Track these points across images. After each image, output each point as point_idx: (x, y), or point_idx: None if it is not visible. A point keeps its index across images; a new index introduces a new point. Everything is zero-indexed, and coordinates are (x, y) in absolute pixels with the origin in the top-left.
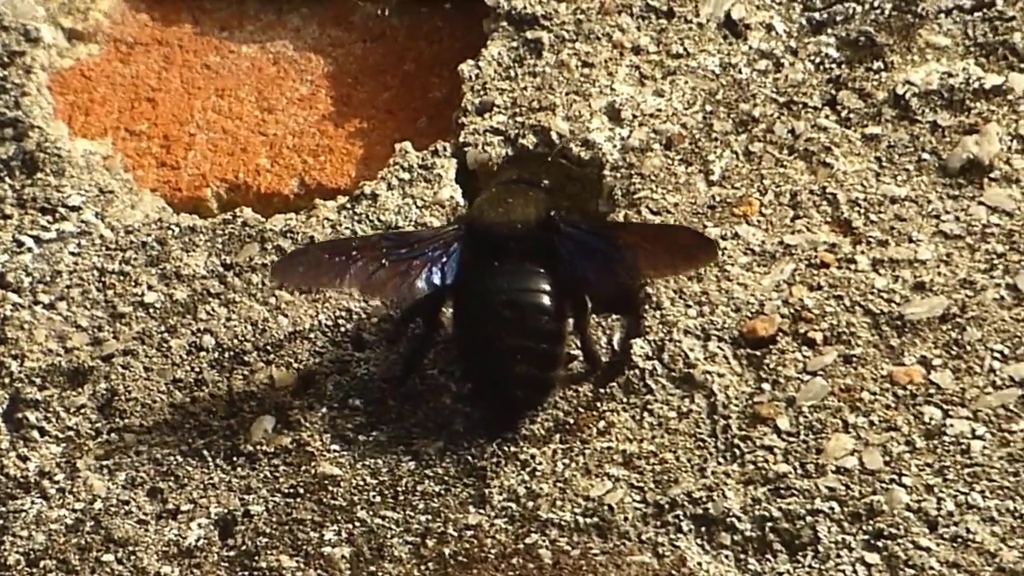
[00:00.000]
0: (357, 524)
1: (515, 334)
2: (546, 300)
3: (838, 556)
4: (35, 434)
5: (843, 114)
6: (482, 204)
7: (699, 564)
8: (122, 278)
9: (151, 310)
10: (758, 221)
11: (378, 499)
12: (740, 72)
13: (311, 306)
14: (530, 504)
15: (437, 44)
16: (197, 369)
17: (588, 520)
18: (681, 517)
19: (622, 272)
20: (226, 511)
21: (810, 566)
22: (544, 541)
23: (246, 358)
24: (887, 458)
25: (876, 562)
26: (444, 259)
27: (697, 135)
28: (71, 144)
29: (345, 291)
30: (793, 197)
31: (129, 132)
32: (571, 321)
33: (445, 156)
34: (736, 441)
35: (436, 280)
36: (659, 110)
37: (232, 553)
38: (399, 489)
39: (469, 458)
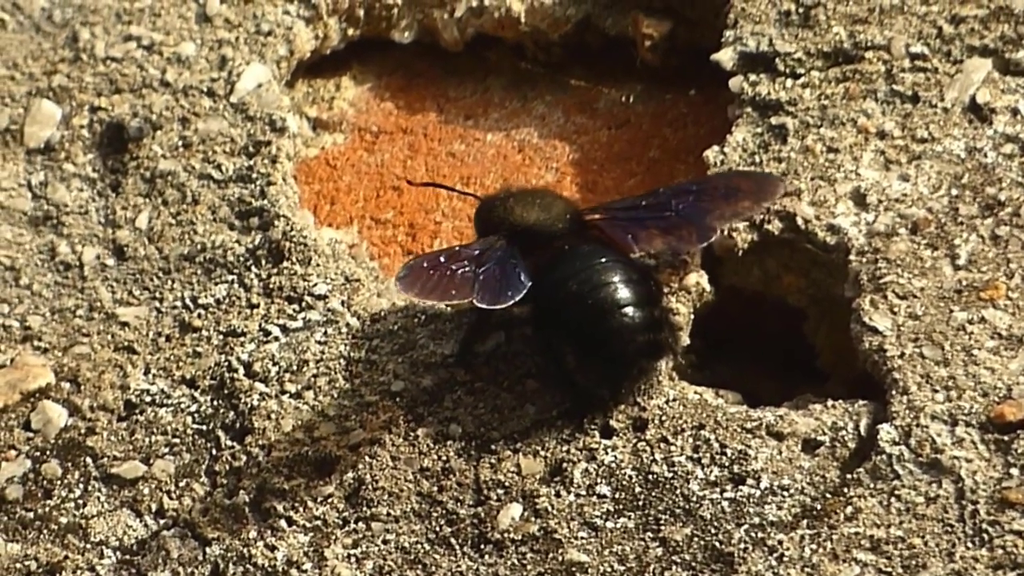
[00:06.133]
0: None
1: (626, 299)
2: (630, 268)
3: None
4: (283, 523)
5: None
6: (512, 210)
7: None
8: (369, 367)
9: (398, 399)
10: (1005, 305)
11: None
12: (986, 156)
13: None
14: None
15: (682, 130)
16: (444, 457)
17: None
18: None
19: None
20: None
21: None
22: None
23: (493, 446)
24: None
25: None
26: (511, 263)
27: (943, 219)
28: (317, 233)
29: (468, 299)
30: None
31: (375, 220)
32: None
33: None
34: (984, 526)
35: (523, 278)
36: (905, 195)
37: None
38: None
39: (717, 544)
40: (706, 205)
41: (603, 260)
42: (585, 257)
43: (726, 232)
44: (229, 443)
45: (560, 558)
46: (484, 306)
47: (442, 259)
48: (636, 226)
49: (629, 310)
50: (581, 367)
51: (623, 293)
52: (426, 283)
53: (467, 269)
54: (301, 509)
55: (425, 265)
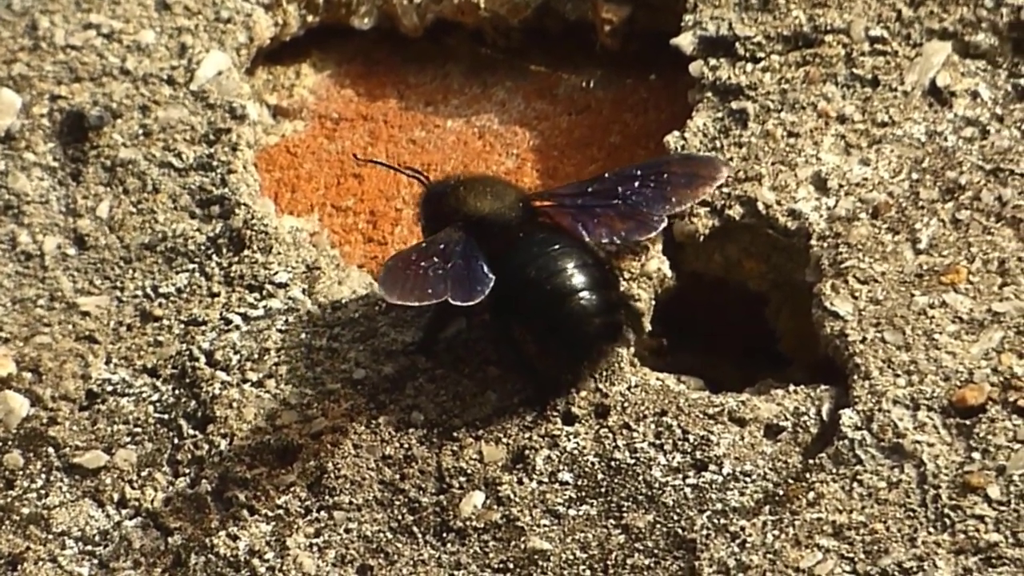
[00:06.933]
0: None
1: (582, 284)
2: (585, 253)
3: None
4: (245, 513)
5: None
6: (465, 200)
7: None
8: (330, 355)
9: (359, 387)
10: (966, 289)
11: (588, 573)
12: (946, 140)
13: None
14: None
15: (643, 116)
16: (406, 445)
17: None
18: None
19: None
20: None
21: None
22: None
23: (455, 434)
24: None
25: None
26: (474, 257)
27: (904, 203)
28: (278, 221)
29: (444, 298)
30: (1001, 264)
31: (335, 208)
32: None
33: None
34: (946, 511)
35: (487, 271)
36: (865, 179)
37: None
38: (609, 563)
39: (679, 531)
40: (652, 192)
41: (558, 247)
42: (541, 244)
43: (685, 218)
44: (191, 432)
45: (522, 546)
46: (459, 303)
47: (413, 257)
48: (584, 214)
49: (585, 294)
50: (541, 353)
51: (579, 278)
52: (405, 285)
53: (437, 266)
54: (263, 498)
55: (400, 266)
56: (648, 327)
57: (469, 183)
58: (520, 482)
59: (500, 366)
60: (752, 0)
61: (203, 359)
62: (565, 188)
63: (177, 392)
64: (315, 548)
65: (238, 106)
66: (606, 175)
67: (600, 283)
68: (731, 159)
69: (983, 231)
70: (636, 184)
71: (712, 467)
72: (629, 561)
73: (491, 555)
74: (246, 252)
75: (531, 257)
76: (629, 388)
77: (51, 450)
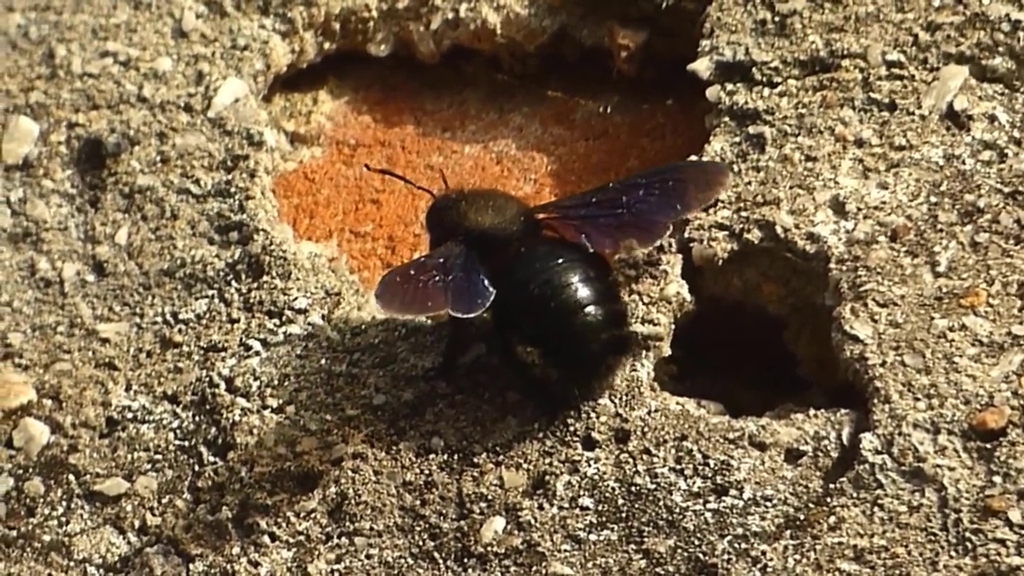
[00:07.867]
0: None
1: (587, 298)
2: (588, 266)
3: None
4: (266, 539)
5: None
6: (466, 214)
7: None
8: (350, 380)
9: (379, 412)
10: (985, 312)
11: None
12: (964, 163)
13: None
14: None
15: (660, 141)
16: (426, 471)
17: None
18: None
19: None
20: None
21: None
22: None
23: (475, 459)
24: None
25: None
26: (474, 270)
27: (922, 226)
28: (296, 247)
29: (443, 309)
30: (1021, 287)
31: (354, 233)
32: None
33: (671, 252)
34: (968, 534)
35: (488, 284)
36: (884, 202)
37: None
38: None
39: (700, 555)
40: (656, 199)
41: (560, 261)
42: (543, 259)
43: (704, 242)
44: (211, 459)
45: (544, 571)
46: (459, 315)
47: (412, 272)
48: (588, 224)
49: (591, 308)
50: (546, 368)
51: (583, 292)
52: (404, 298)
53: (437, 279)
54: (284, 524)
55: (398, 280)
56: (668, 351)
57: (471, 197)
58: (541, 507)
59: (513, 386)
60: (769, 25)
61: (223, 385)
62: (569, 199)
63: (197, 419)
64: (336, 574)
65: (255, 133)
66: (610, 185)
67: (604, 296)
68: (749, 183)
69: (1002, 254)
70: (641, 192)
71: (733, 492)
72: None
73: None
74: (265, 278)
75: (533, 273)
76: (649, 413)
77: (72, 477)
